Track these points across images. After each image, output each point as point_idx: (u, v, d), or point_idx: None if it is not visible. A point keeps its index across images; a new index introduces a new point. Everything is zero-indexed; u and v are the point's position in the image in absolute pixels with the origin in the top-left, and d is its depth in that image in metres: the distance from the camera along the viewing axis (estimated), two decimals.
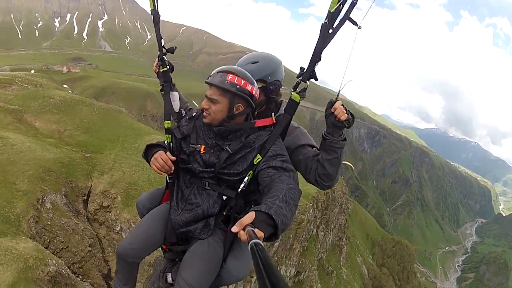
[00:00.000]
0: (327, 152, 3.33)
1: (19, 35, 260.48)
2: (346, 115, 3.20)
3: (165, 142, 3.67)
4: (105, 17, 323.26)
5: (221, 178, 3.29)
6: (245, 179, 3.17)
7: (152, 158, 3.41)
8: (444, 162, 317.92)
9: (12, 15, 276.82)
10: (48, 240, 19.88)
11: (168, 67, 4.04)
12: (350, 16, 2.97)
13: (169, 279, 3.69)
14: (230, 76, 3.21)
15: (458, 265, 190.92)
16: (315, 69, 3.26)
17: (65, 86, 58.36)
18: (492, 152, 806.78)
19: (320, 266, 41.97)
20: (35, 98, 35.72)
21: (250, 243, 1.60)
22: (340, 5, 2.91)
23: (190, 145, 3.46)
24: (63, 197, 23.02)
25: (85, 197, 24.88)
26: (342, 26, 3.07)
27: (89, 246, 21.88)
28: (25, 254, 14.77)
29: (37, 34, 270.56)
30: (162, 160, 3.36)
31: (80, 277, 20.03)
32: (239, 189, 3.21)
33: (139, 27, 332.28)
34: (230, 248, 3.41)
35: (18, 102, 34.44)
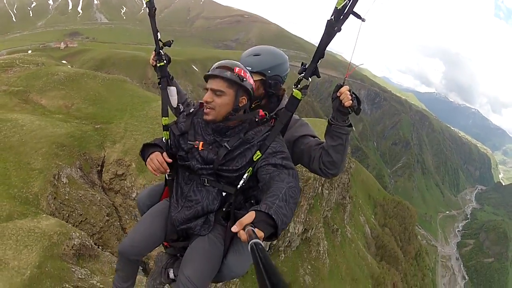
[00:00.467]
0: (332, 138, 3.29)
1: (13, 19, 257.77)
2: (351, 101, 3.13)
3: (163, 139, 3.71)
4: None
5: (220, 175, 3.29)
6: (245, 176, 3.15)
7: (148, 159, 3.42)
8: (444, 127, 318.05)
9: (5, 1, 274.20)
10: (67, 215, 20.20)
11: (165, 61, 4.04)
12: (353, 9, 2.88)
13: (171, 275, 3.77)
14: (237, 69, 3.24)
15: (458, 230, 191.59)
16: (317, 65, 3.19)
17: (64, 62, 58.32)
18: (492, 121, 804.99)
19: (325, 224, 42.55)
20: (38, 77, 35.02)
21: (250, 243, 1.61)
22: (347, 1, 2.86)
23: (188, 141, 3.46)
24: (78, 170, 23.23)
25: (99, 168, 25.09)
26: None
27: (106, 216, 22.22)
28: (49, 231, 14.79)
29: (31, 15, 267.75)
30: (158, 161, 3.37)
31: (100, 247, 19.91)
32: (239, 186, 3.18)
33: None
34: (230, 243, 3.40)
35: (22, 83, 33.68)
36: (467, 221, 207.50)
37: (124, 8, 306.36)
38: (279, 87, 3.72)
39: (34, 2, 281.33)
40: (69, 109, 31.54)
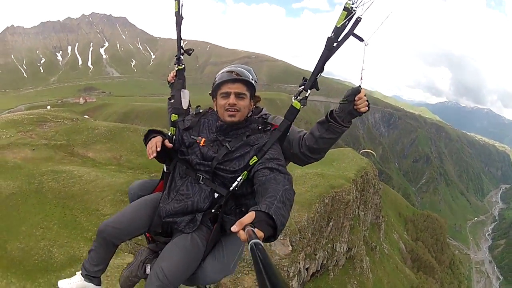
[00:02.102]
0: (327, 131, 3.40)
1: (24, 74, 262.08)
2: (367, 108, 3.29)
3: (169, 133, 3.82)
4: (106, 44, 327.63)
5: (216, 174, 3.38)
6: (239, 178, 3.23)
7: (149, 143, 3.53)
8: (460, 134, 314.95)
9: (12, 56, 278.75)
10: None
11: (183, 66, 4.34)
12: (355, 32, 3.07)
13: (148, 270, 3.76)
14: (252, 72, 3.55)
15: (488, 234, 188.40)
16: (317, 79, 3.31)
17: (86, 116, 58.12)
18: (506, 116, 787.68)
19: (365, 243, 44.34)
20: (78, 131, 36.34)
21: (250, 243, 1.66)
22: (346, 21, 3.00)
23: (191, 136, 3.60)
24: None
25: None
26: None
27: None
28: None
29: (42, 71, 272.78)
30: (155, 144, 3.45)
31: None
32: (231, 188, 3.26)
33: (141, 48, 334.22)
34: (212, 248, 3.46)
35: (63, 137, 34.79)
36: (495, 223, 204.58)
37: (134, 61, 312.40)
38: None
39: (43, 58, 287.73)
40: (119, 161, 32.96)
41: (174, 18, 4.30)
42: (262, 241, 1.96)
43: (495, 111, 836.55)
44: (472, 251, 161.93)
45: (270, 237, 2.24)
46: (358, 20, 2.99)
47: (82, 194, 24.58)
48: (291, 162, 3.93)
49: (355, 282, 38.76)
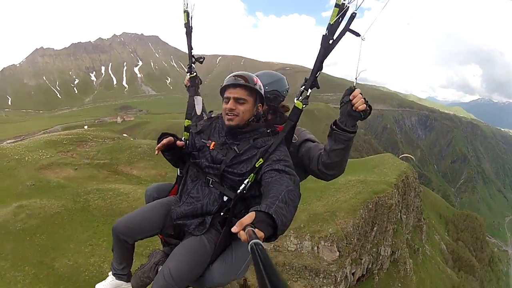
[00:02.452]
0: (335, 142, 3.37)
1: (58, 95, 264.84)
2: (365, 105, 3.20)
3: (183, 138, 3.92)
4: (140, 63, 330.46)
5: (224, 177, 3.39)
6: (246, 181, 3.23)
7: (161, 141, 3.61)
8: (495, 130, 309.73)
9: (44, 77, 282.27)
10: None
11: (195, 73, 4.45)
12: (351, 28, 3.06)
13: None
14: (255, 79, 3.50)
15: None
16: (317, 78, 3.33)
17: (124, 135, 59.96)
18: None
19: (408, 245, 44.61)
20: (120, 150, 38.21)
21: (250, 243, 1.64)
22: (339, 18, 3.01)
23: (202, 140, 3.62)
24: None
25: None
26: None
27: None
28: None
29: (76, 91, 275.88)
30: (163, 142, 3.56)
31: None
32: (238, 191, 3.26)
33: (175, 66, 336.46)
34: (221, 251, 3.45)
35: (105, 156, 36.39)
36: None
37: (169, 79, 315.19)
38: (279, 100, 4.01)
39: (76, 79, 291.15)
40: (164, 178, 34.10)
41: (191, 27, 4.40)
42: (263, 241, 2.04)
43: None
44: (510, 248, 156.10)
45: (271, 237, 2.28)
46: (353, 16, 3.05)
47: (130, 211, 25.64)
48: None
49: (399, 285, 39.38)
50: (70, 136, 40.42)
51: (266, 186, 2.93)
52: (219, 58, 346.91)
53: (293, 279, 27.52)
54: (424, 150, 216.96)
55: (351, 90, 3.23)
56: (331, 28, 3.07)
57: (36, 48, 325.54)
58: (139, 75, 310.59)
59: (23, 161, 32.54)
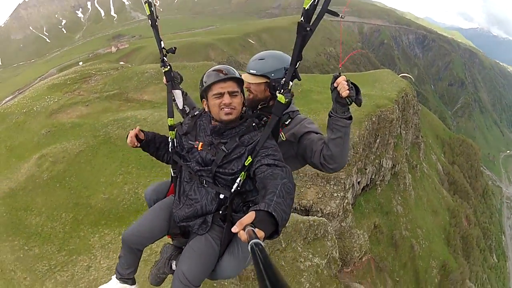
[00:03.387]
0: (332, 131, 3.45)
1: (47, 40, 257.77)
2: (348, 91, 3.21)
3: (169, 138, 4.07)
4: None
5: (217, 177, 3.52)
6: (238, 180, 3.37)
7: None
8: (493, 63, 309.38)
9: (31, 27, 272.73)
10: None
11: (168, 67, 4.45)
12: (329, 8, 2.98)
13: (174, 266, 4.04)
14: (238, 72, 3.65)
15: None
16: (296, 68, 3.33)
17: (121, 63, 57.36)
18: None
19: (407, 161, 46.98)
20: (127, 78, 38.38)
21: (250, 243, 1.69)
22: (314, 0, 2.94)
23: (189, 141, 3.75)
24: None
25: None
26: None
27: None
28: None
29: (65, 32, 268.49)
30: (130, 134, 3.96)
31: None
32: (233, 189, 3.40)
33: None
34: (227, 245, 3.61)
35: (114, 87, 36.81)
36: None
37: (158, 1, 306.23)
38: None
39: (63, 20, 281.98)
40: None
41: (155, 18, 4.58)
42: (265, 239, 2.14)
43: None
44: (504, 185, 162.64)
45: (273, 234, 2.34)
46: None
47: (151, 135, 26.68)
48: None
49: (399, 198, 42.19)
50: (73, 76, 40.27)
51: (261, 182, 3.06)
52: None
53: (307, 185, 29.03)
54: (422, 69, 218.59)
55: (335, 77, 3.32)
56: (307, 13, 3.00)
57: (19, 3, 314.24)
58: (126, 3, 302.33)
59: (32, 113, 32.80)
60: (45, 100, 34.26)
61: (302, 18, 3.01)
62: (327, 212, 28.11)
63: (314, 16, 3.04)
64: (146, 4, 4.47)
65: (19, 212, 20.80)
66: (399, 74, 57.69)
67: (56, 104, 32.93)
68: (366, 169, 34.81)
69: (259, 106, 3.98)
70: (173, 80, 4.52)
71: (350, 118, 3.41)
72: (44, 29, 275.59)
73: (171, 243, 4.37)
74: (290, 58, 3.56)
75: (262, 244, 1.66)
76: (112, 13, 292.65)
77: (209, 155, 3.55)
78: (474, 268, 55.71)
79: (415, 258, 42.16)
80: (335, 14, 3.00)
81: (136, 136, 4.06)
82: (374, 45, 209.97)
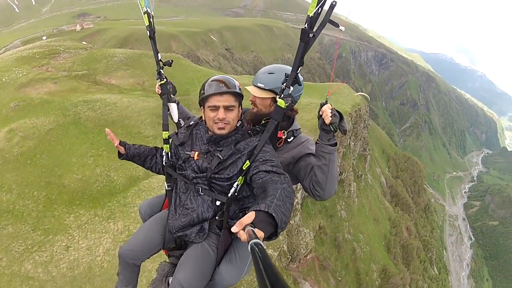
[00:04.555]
0: (318, 158, 3.54)
1: (16, 9, 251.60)
2: (331, 118, 3.35)
3: (164, 151, 4.07)
4: None
5: (212, 183, 3.54)
6: (235, 184, 3.40)
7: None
8: (450, 88, 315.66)
9: None
10: None
11: (165, 80, 4.46)
12: (331, 18, 3.04)
13: (170, 283, 3.82)
14: (237, 83, 3.58)
15: (465, 192, 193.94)
16: (298, 74, 3.38)
17: (84, 43, 56.02)
18: (498, 85, 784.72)
19: (353, 170, 49.01)
20: (96, 60, 38.42)
21: (250, 243, 1.66)
22: (318, 8, 2.96)
23: (185, 151, 3.75)
24: None
25: None
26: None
27: None
28: None
29: (34, 3, 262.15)
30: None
31: None
32: (229, 194, 3.43)
33: None
34: (224, 253, 3.63)
35: (82, 67, 36.51)
36: (473, 183, 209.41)
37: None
38: (291, 106, 3.72)
39: None
40: (143, 86, 35.40)
41: (154, 29, 4.48)
42: (264, 240, 2.12)
43: (489, 77, 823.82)
44: (447, 204, 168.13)
45: (272, 235, 2.31)
46: (333, 5, 3.00)
47: (121, 119, 26.85)
48: None
49: (343, 203, 44.76)
50: (41, 50, 40.43)
51: (260, 188, 3.04)
52: None
53: None
54: (375, 85, 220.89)
55: (322, 105, 3.47)
56: (311, 20, 3.05)
57: None
58: None
59: (0, 83, 32.22)
60: (13, 72, 33.99)
61: (306, 25, 3.07)
62: None
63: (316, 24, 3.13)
64: (145, 15, 4.45)
65: None
66: (356, 92, 60.49)
67: (24, 78, 32.84)
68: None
69: (263, 121, 3.92)
70: (169, 93, 4.49)
71: (335, 145, 3.54)
72: None
73: (167, 261, 4.43)
74: (300, 76, 3.77)
75: (262, 244, 1.67)
76: None
77: (205, 163, 3.58)
78: (414, 276, 57.64)
79: (357, 260, 44.12)
80: (335, 24, 3.10)
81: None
82: (332, 57, 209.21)
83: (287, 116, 3.96)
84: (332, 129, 3.39)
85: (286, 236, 26.27)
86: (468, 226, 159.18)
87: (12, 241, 17.62)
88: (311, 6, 2.96)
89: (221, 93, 3.46)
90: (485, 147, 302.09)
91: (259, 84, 3.90)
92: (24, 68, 34.55)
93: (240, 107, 3.62)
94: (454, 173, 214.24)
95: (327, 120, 3.36)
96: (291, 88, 3.41)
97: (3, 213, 19.07)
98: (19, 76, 33.07)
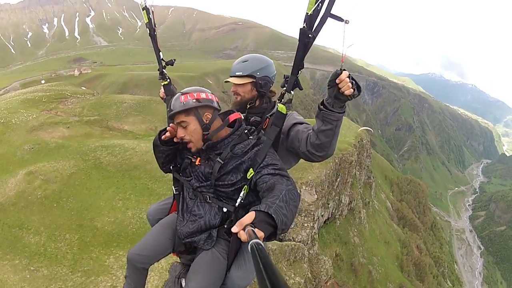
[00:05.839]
0: (323, 123, 3.34)
1: (12, 50, 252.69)
2: (352, 90, 3.12)
3: None
4: (92, 13, 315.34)
5: (218, 191, 3.51)
6: (241, 194, 3.34)
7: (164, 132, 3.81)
8: (443, 106, 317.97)
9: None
10: None
11: (168, 80, 4.42)
12: (332, 12, 2.85)
13: (183, 284, 4.03)
14: (182, 97, 3.46)
15: (469, 204, 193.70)
16: (298, 77, 3.30)
17: (83, 88, 57.62)
18: (490, 94, 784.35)
19: (361, 198, 50.66)
20: (106, 105, 38.60)
21: (250, 243, 1.67)
22: (318, 4, 2.82)
23: (187, 155, 3.75)
24: None
25: None
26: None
27: None
28: None
29: (29, 45, 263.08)
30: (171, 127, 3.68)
31: None
32: (237, 204, 3.38)
33: (127, 16, 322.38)
34: (234, 258, 3.57)
35: (93, 112, 36.73)
36: (476, 195, 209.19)
37: (120, 29, 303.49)
38: (269, 86, 4.05)
39: (29, 32, 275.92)
40: (156, 131, 30.07)
41: (154, 26, 4.46)
42: (264, 240, 2.18)
43: (479, 87, 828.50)
44: (453, 219, 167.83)
45: (271, 236, 2.39)
46: None
47: (143, 164, 26.41)
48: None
49: (355, 230, 46.29)
50: (47, 94, 40.77)
51: (266, 191, 3.04)
52: (171, 9, 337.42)
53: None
54: (370, 114, 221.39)
55: (337, 74, 3.15)
56: (310, 19, 2.91)
57: None
58: (91, 26, 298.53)
59: (10, 125, 32.11)
60: (22, 114, 33.90)
61: (304, 24, 2.94)
62: (299, 240, 29.95)
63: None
64: (144, 10, 4.36)
65: (13, 229, 20.35)
66: (360, 128, 62.49)
67: (35, 121, 32.63)
68: (328, 204, 38.14)
69: (248, 106, 4.04)
70: (172, 95, 4.18)
71: (344, 111, 3.35)
72: (11, 38, 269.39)
73: (179, 261, 4.41)
74: (268, 58, 4.03)
75: (262, 244, 1.67)
76: (76, 34, 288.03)
77: (207, 168, 3.55)
78: None
79: (374, 281, 45.13)
80: (339, 19, 2.81)
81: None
82: (325, 91, 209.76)
83: (267, 97, 4.14)
84: (349, 99, 3.26)
85: (309, 264, 27.16)
86: (476, 237, 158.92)
87: (49, 283, 17.23)
88: (310, 3, 2.85)
89: (173, 115, 3.50)
90: (484, 157, 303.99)
91: (237, 73, 4.05)
92: (33, 111, 34.81)
93: (198, 117, 3.49)
94: (456, 188, 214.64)
95: (348, 91, 3.13)
96: (292, 93, 3.42)
97: (34, 256, 18.78)
98: (29, 119, 33.09)
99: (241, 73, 3.99)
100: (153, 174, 25.02)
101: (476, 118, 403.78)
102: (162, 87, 4.52)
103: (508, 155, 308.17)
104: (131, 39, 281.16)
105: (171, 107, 3.50)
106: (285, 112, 3.39)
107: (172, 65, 4.47)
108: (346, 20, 2.72)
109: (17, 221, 20.69)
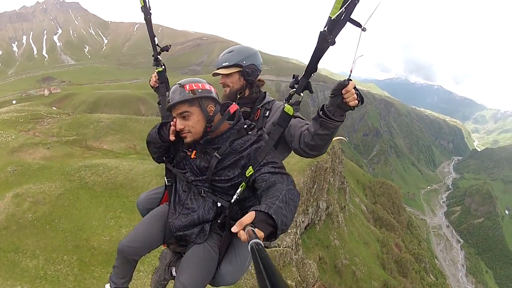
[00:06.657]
0: (321, 127, 3.29)
1: None
2: (356, 101, 3.04)
3: None
4: (60, 31, 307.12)
5: (214, 186, 3.43)
6: (238, 191, 3.22)
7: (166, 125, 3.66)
8: (410, 109, 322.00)
9: None
10: None
11: (163, 66, 4.30)
12: (351, 16, 2.72)
13: (174, 272, 4.03)
14: (187, 86, 3.31)
15: (443, 201, 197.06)
16: (309, 80, 3.20)
17: (54, 108, 56.08)
18: (457, 93, 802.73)
19: (337, 203, 51.97)
20: (83, 125, 37.88)
21: (250, 243, 1.67)
22: (343, 9, 2.67)
23: (182, 148, 3.65)
24: None
25: None
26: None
27: None
28: None
29: (0, 65, 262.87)
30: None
31: None
32: (232, 200, 3.27)
33: (94, 33, 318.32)
34: (225, 253, 3.53)
35: (71, 132, 36.05)
36: (449, 191, 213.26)
37: (87, 47, 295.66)
38: (257, 74, 4.05)
39: (0, 51, 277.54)
40: (136, 150, 35.40)
41: (150, 11, 4.18)
42: (263, 240, 2.11)
43: (446, 87, 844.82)
44: (428, 217, 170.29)
45: (271, 236, 2.34)
46: (355, 2, 2.67)
47: (129, 182, 26.29)
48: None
49: (335, 233, 48.06)
50: (23, 114, 39.57)
51: (265, 190, 2.96)
52: (136, 26, 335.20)
53: None
54: None
55: (343, 84, 3.02)
56: (332, 23, 2.76)
57: None
58: (58, 44, 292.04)
59: None
60: (1, 135, 32.92)
61: (325, 28, 2.80)
62: (284, 246, 31.30)
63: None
64: None
65: (8, 254, 19.64)
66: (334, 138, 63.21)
67: (15, 142, 31.85)
68: (308, 210, 39.90)
69: (238, 97, 4.04)
70: (167, 82, 4.27)
71: (343, 119, 3.28)
72: None
73: (169, 249, 4.31)
74: (253, 47, 4.12)
75: (262, 244, 1.69)
76: (44, 52, 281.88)
77: (203, 162, 3.47)
78: (414, 285, 60.04)
79: (358, 281, 46.68)
80: (357, 24, 2.69)
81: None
82: (320, 107, 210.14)
83: (256, 86, 4.11)
84: (352, 109, 3.16)
85: (297, 268, 28.44)
86: (453, 231, 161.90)
87: None
88: (334, 7, 2.69)
89: (173, 105, 3.36)
90: (455, 154, 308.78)
91: (223, 64, 4.02)
92: (11, 132, 33.94)
93: (202, 108, 3.38)
94: (428, 187, 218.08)
95: (353, 102, 3.05)
96: (301, 95, 3.29)
97: (35, 280, 18.22)
98: (9, 140, 32.22)
99: (227, 63, 4.02)
100: (140, 192, 24.03)
101: (444, 118, 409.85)
102: (154, 74, 4.45)
103: (479, 150, 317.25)
104: (98, 56, 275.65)
105: (172, 98, 3.37)
106: (291, 114, 3.30)
107: (167, 51, 4.39)
108: (364, 28, 2.65)
109: (11, 245, 20.19)
